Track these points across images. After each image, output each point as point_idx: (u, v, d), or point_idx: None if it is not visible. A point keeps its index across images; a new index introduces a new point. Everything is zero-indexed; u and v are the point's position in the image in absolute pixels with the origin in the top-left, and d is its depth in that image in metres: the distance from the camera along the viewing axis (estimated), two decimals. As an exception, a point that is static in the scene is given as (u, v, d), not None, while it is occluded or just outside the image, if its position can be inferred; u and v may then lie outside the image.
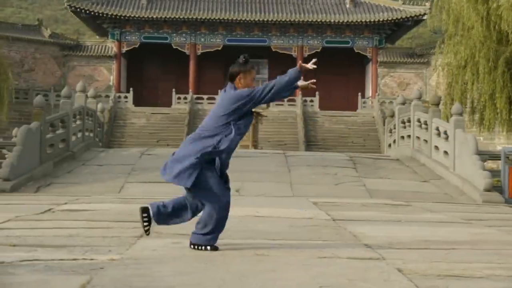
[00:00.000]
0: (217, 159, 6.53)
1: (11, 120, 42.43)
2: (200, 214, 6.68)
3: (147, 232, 6.70)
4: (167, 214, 6.64)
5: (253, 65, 6.83)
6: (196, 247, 6.56)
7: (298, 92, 55.82)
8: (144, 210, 6.63)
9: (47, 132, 20.69)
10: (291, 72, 6.68)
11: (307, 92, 55.60)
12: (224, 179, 6.67)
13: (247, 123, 6.68)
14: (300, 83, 6.79)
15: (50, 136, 20.97)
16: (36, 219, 9.56)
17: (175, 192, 8.45)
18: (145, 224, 6.64)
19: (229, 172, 6.72)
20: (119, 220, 9.46)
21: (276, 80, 6.65)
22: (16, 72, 51.96)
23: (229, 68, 6.75)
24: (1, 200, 13.72)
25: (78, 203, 12.45)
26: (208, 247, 6.53)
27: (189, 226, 6.66)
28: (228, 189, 6.69)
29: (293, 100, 54.66)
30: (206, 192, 6.51)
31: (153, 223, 6.65)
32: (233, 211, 7.87)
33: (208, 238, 6.55)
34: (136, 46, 59.19)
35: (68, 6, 57.16)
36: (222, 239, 6.83)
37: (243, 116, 6.61)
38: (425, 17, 53.74)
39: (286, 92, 6.67)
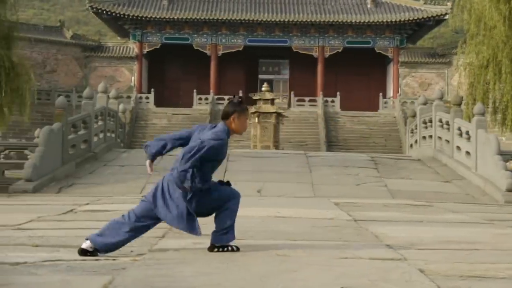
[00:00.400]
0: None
1: (33, 121, 42.57)
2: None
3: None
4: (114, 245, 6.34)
5: (247, 107, 6.79)
6: (220, 249, 6.52)
7: (319, 92, 55.86)
8: (83, 252, 6.25)
9: (69, 133, 20.78)
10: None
11: (328, 92, 55.61)
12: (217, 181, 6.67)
13: (208, 171, 6.48)
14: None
15: (72, 137, 21.06)
16: (59, 220, 9.63)
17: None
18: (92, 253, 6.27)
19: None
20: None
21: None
22: (38, 73, 52.28)
23: (224, 108, 6.66)
24: (23, 201, 13.83)
25: (100, 204, 12.52)
26: (234, 247, 6.53)
27: (211, 225, 6.66)
28: (227, 184, 6.68)
29: (314, 101, 54.68)
30: (220, 203, 6.53)
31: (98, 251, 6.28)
32: (254, 212, 7.88)
33: (228, 235, 6.55)
34: (157, 47, 59.38)
35: (89, 8, 57.50)
36: (244, 240, 6.83)
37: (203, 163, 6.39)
38: (446, 17, 53.54)
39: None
